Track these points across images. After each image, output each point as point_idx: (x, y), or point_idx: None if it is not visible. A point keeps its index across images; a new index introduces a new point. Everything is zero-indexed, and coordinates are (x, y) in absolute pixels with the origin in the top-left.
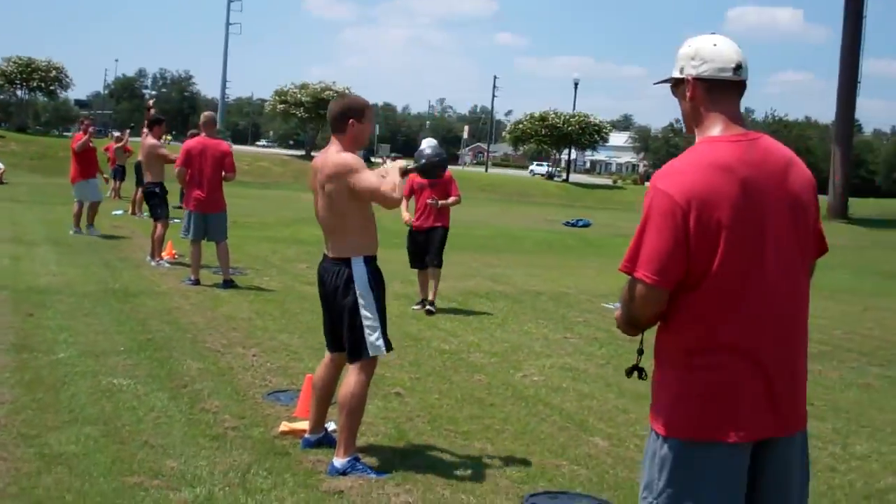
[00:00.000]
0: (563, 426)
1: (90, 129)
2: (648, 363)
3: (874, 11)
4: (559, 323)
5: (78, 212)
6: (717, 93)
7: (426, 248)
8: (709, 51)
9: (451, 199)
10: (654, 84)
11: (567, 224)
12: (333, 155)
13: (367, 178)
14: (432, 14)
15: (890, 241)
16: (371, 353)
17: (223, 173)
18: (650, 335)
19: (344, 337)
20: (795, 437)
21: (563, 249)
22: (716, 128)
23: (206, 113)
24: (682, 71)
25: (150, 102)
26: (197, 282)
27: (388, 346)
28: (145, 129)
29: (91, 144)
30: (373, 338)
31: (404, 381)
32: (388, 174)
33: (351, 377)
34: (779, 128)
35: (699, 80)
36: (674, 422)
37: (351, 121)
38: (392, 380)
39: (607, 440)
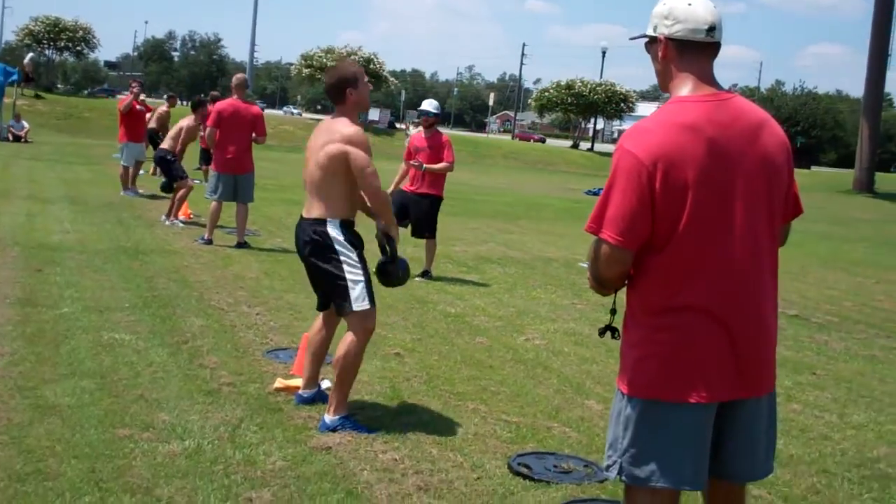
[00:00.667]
0: (560, 389)
1: (135, 90)
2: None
3: None
4: (568, 289)
5: (124, 174)
6: (689, 53)
7: (414, 215)
8: (682, 10)
9: (440, 165)
10: (630, 39)
11: (589, 193)
12: (343, 124)
13: (364, 163)
14: None
15: None
16: (355, 307)
17: (254, 136)
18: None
19: (327, 292)
20: (762, 398)
21: (582, 217)
22: (686, 87)
23: (237, 75)
24: (655, 29)
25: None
26: (210, 241)
27: (372, 301)
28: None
29: (138, 107)
30: (356, 292)
31: (406, 342)
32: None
33: (347, 336)
34: (807, 100)
35: (671, 40)
36: (638, 381)
37: (348, 90)
38: (394, 340)
39: (602, 403)
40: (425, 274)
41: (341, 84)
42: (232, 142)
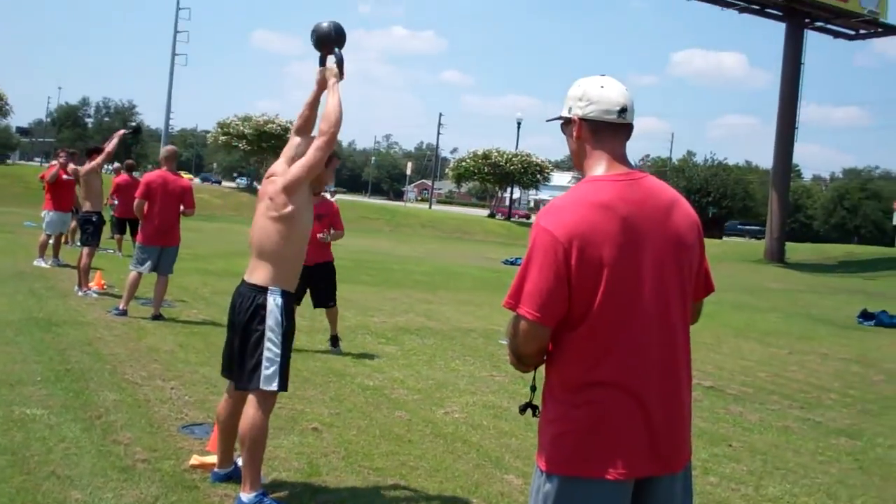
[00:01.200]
0: (479, 463)
1: (62, 160)
2: None
3: (813, 58)
4: (487, 360)
5: (44, 242)
6: (602, 133)
7: (315, 285)
8: (595, 93)
9: (338, 233)
10: (547, 121)
11: (506, 262)
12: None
13: (309, 152)
14: (380, 49)
15: (824, 286)
16: (262, 385)
17: (182, 208)
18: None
19: (238, 362)
20: (677, 474)
21: (500, 287)
22: (599, 167)
23: (167, 147)
24: (570, 111)
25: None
26: (125, 312)
27: (284, 386)
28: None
29: (65, 176)
30: (269, 371)
31: (323, 416)
32: (323, 84)
33: (249, 409)
34: (718, 171)
35: (585, 121)
36: (555, 457)
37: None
38: (311, 415)
39: (521, 478)
40: (335, 340)
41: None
42: (161, 214)
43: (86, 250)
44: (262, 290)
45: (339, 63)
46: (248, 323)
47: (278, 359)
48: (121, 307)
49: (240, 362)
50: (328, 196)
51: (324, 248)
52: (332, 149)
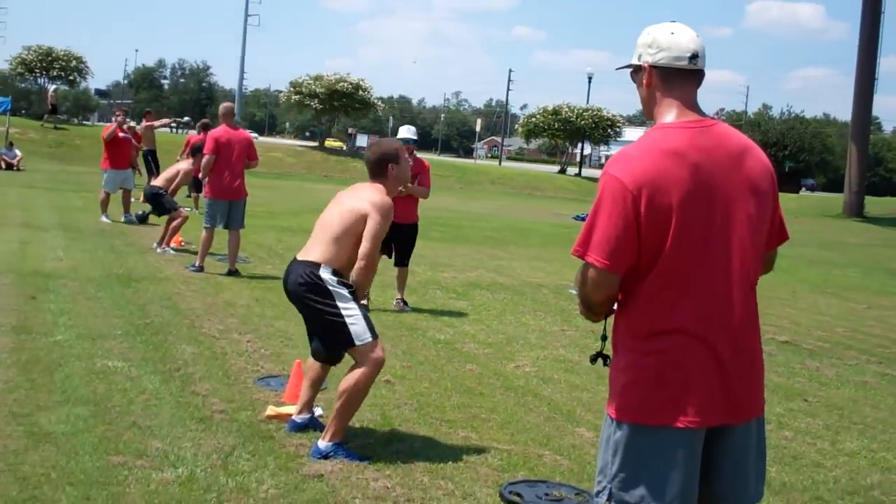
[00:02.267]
0: (550, 416)
1: (119, 118)
2: None
3: (893, 7)
4: (558, 315)
5: (105, 200)
6: (673, 80)
7: (399, 243)
8: (665, 39)
9: (420, 188)
10: (616, 69)
11: (577, 218)
12: (379, 190)
13: (378, 233)
14: (451, 6)
15: None
16: (357, 343)
17: (247, 161)
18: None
19: (327, 337)
20: (750, 424)
21: (570, 243)
22: (670, 114)
23: (224, 104)
24: (639, 58)
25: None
26: (201, 268)
27: (374, 334)
28: (146, 120)
29: (121, 134)
30: (356, 328)
31: (396, 369)
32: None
33: (357, 368)
34: (795, 124)
35: (655, 68)
36: (626, 405)
37: (389, 165)
38: (384, 368)
39: (593, 431)
40: (404, 302)
41: (383, 160)
42: (227, 168)
43: (178, 213)
44: (315, 265)
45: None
46: (314, 299)
47: (358, 312)
48: (197, 263)
49: (331, 337)
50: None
51: (412, 209)
52: (366, 260)
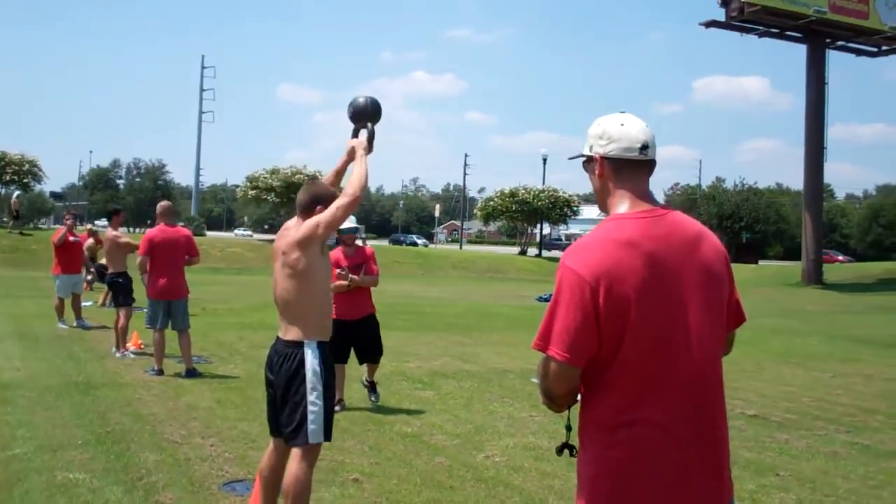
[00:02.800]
0: None
1: (69, 222)
2: None
3: (837, 77)
4: (525, 401)
5: (59, 305)
6: (624, 171)
7: (360, 340)
8: (616, 131)
9: (368, 277)
10: (569, 159)
11: (540, 299)
12: (303, 223)
13: (328, 210)
14: (403, 94)
15: (863, 306)
16: (310, 440)
17: (187, 258)
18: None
19: (283, 420)
20: None
21: (534, 325)
22: (623, 205)
23: (162, 203)
24: (591, 149)
25: (67, 213)
26: (160, 371)
27: (328, 436)
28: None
29: (72, 238)
30: (314, 426)
31: (363, 466)
32: (351, 154)
33: (293, 463)
34: (749, 195)
35: (606, 159)
36: (594, 500)
37: (318, 207)
38: (351, 465)
39: None
40: (373, 386)
41: (315, 200)
42: (164, 267)
43: (123, 311)
44: (298, 345)
45: (371, 137)
46: (290, 381)
47: (322, 412)
48: (156, 367)
49: (287, 421)
50: (359, 242)
51: (365, 300)
52: (352, 211)
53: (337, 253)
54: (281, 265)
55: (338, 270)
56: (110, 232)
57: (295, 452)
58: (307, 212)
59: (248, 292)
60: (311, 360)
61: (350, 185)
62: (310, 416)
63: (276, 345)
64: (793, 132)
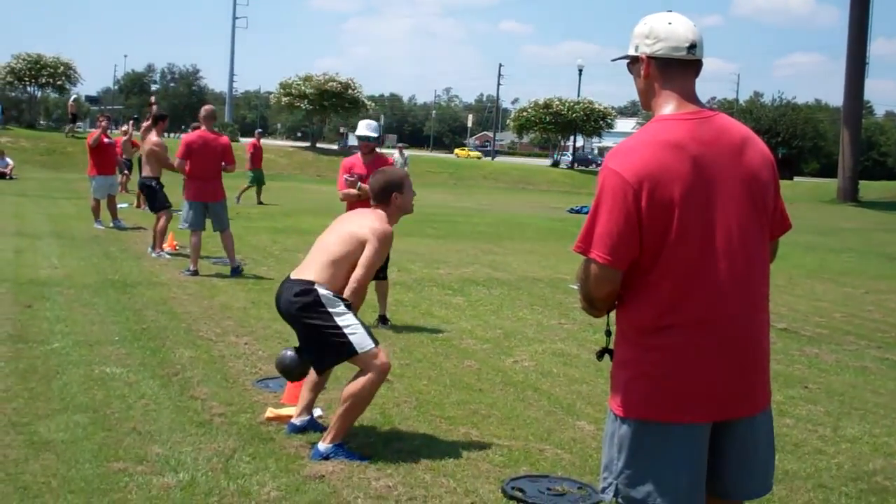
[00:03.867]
0: (551, 411)
1: (103, 124)
2: None
3: None
4: (555, 309)
5: (96, 206)
6: (671, 71)
7: None
8: (663, 29)
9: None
10: (612, 61)
11: (571, 211)
12: (380, 217)
13: (375, 261)
14: (436, 2)
15: None
16: (360, 351)
17: (223, 165)
18: None
19: (326, 351)
20: (756, 417)
21: (566, 236)
22: (668, 106)
23: (205, 107)
24: (636, 49)
25: (153, 98)
26: (196, 272)
27: (375, 340)
28: (145, 124)
29: (106, 140)
30: (355, 337)
31: (394, 367)
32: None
33: (363, 375)
34: (787, 111)
35: (653, 59)
36: (630, 401)
37: (394, 194)
38: None
39: (593, 424)
40: (383, 320)
41: (388, 188)
42: (202, 171)
43: (162, 213)
44: (310, 283)
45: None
46: (306, 313)
47: (355, 321)
48: (191, 267)
49: (325, 347)
50: (395, 152)
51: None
52: (359, 283)
53: (353, 159)
54: (341, 228)
55: (345, 176)
56: (152, 137)
57: (363, 367)
58: (382, 198)
59: (279, 198)
60: (323, 291)
61: (361, 287)
62: (347, 331)
63: (284, 283)
64: (835, 47)
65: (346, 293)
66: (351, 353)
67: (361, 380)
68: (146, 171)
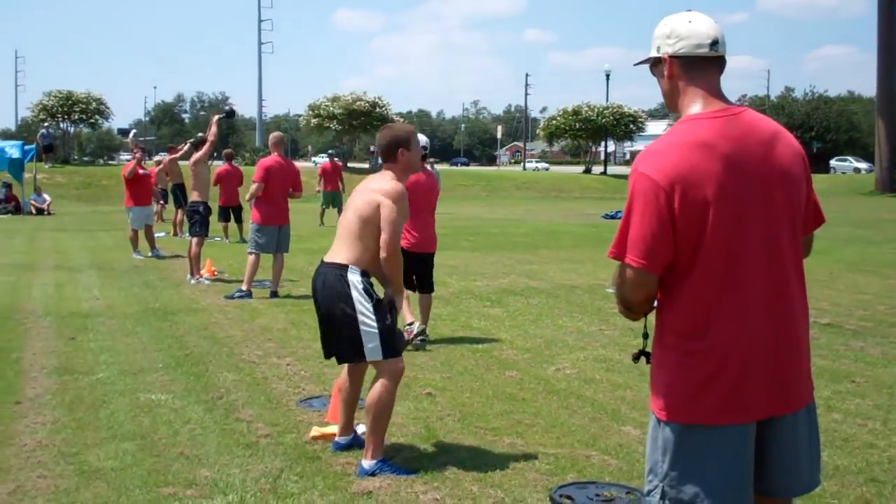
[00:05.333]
0: (595, 417)
1: (138, 156)
2: None
3: None
4: (594, 315)
5: (134, 237)
6: (694, 69)
7: (418, 272)
8: (684, 28)
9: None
10: (635, 65)
11: (606, 216)
12: (387, 178)
13: (396, 219)
14: (459, 15)
15: None
16: (369, 358)
17: (291, 191)
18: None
19: (343, 343)
20: (799, 413)
21: (601, 242)
22: (695, 105)
23: (274, 134)
24: (658, 50)
25: (132, 136)
26: (250, 294)
27: (388, 351)
28: (173, 155)
29: (141, 171)
30: (370, 345)
31: (436, 381)
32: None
33: (377, 382)
34: (819, 104)
35: (676, 58)
36: (672, 405)
37: (400, 150)
38: (424, 380)
39: (639, 428)
40: (423, 335)
41: (394, 144)
42: (277, 195)
43: (195, 240)
44: (343, 268)
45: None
46: (336, 302)
47: (375, 329)
48: (244, 288)
49: (343, 341)
50: (428, 167)
51: (424, 234)
52: (389, 248)
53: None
54: (356, 203)
55: None
56: (195, 155)
57: (378, 372)
58: (389, 155)
59: (313, 220)
60: (354, 279)
61: (393, 253)
62: (364, 337)
63: (319, 268)
64: (864, 38)
65: (382, 261)
66: (361, 354)
67: (377, 388)
68: (194, 196)
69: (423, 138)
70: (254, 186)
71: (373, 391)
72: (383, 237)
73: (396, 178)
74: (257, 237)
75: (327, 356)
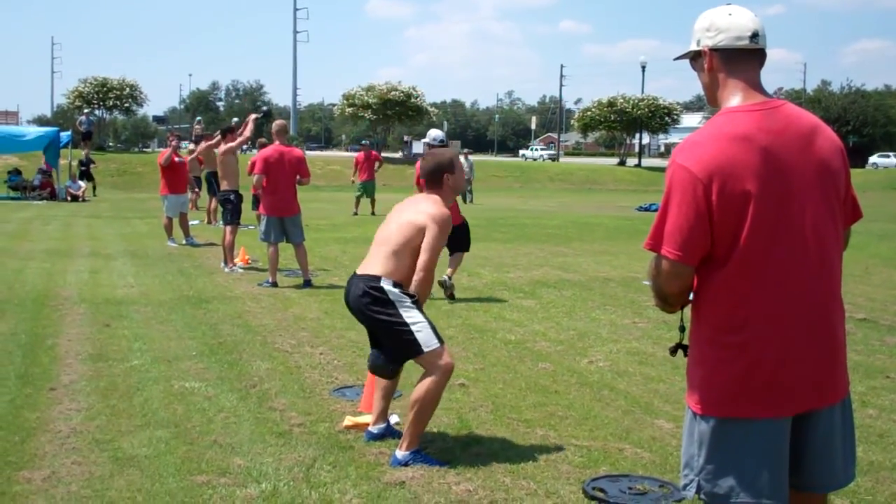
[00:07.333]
0: (628, 410)
1: (174, 143)
2: None
3: None
4: (628, 308)
5: (168, 224)
6: (735, 62)
7: (454, 240)
8: (724, 21)
9: None
10: (675, 59)
11: (640, 209)
12: (436, 202)
13: (437, 245)
14: (493, 5)
15: None
16: (425, 350)
17: (298, 178)
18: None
19: (393, 347)
20: (835, 407)
21: (636, 235)
22: (735, 97)
23: (277, 122)
24: (698, 43)
25: (199, 119)
26: (275, 284)
27: (440, 339)
28: (207, 143)
29: (177, 159)
30: (421, 335)
31: (469, 372)
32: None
33: (427, 377)
34: (856, 98)
35: (716, 51)
36: (708, 398)
37: (445, 175)
38: (456, 371)
39: (672, 422)
40: (449, 280)
41: (439, 170)
42: (278, 185)
43: (228, 228)
44: (376, 279)
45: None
46: (374, 308)
47: (422, 319)
48: (269, 279)
49: (394, 342)
50: (462, 157)
51: (454, 214)
52: (425, 271)
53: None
54: (400, 217)
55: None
56: (222, 146)
57: (427, 368)
58: (434, 181)
59: (347, 209)
60: (388, 286)
61: (427, 277)
62: (414, 328)
63: (352, 280)
64: None
65: (414, 281)
66: (417, 351)
67: (426, 382)
68: (224, 185)
69: (438, 132)
70: (255, 178)
71: (422, 384)
72: (423, 258)
73: (444, 202)
74: (264, 227)
75: (388, 363)
